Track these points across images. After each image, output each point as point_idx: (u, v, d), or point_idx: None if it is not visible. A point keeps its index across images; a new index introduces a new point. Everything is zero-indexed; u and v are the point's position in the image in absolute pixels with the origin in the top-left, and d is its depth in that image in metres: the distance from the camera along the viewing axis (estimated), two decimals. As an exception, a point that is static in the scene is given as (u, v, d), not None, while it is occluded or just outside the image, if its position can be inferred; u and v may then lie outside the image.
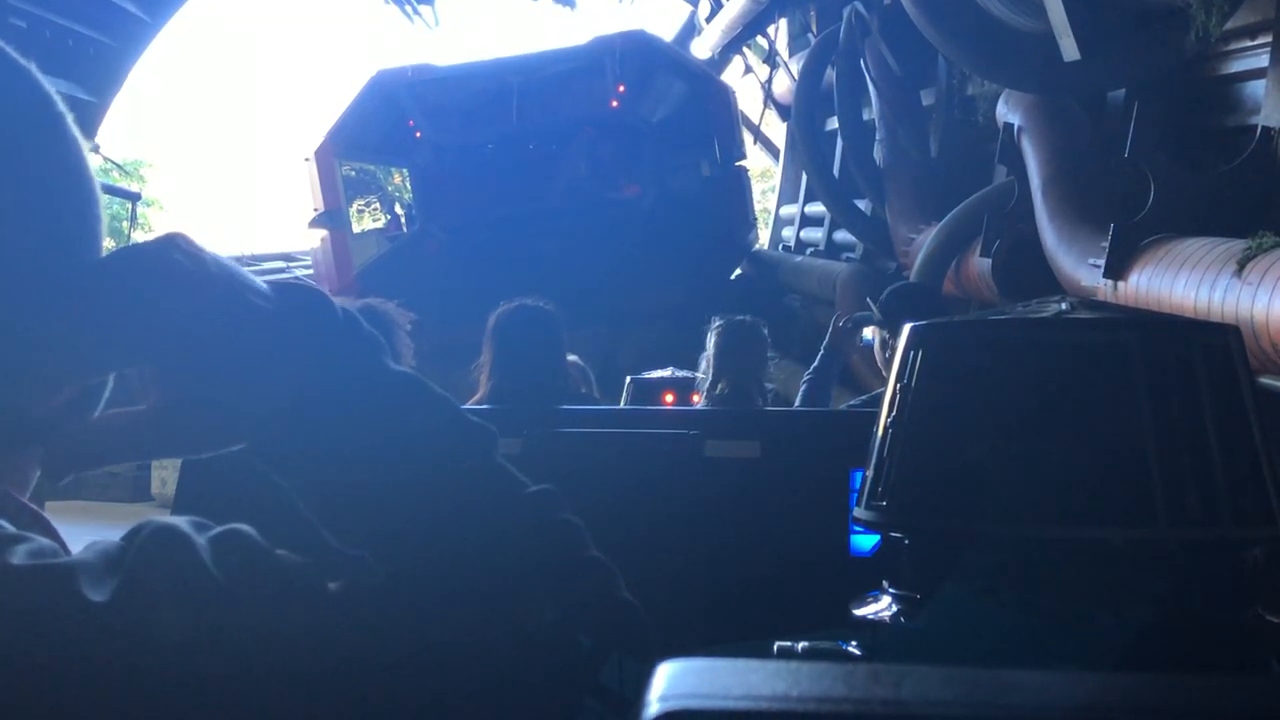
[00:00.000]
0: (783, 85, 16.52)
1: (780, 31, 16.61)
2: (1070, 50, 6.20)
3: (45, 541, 0.85)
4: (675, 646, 0.81)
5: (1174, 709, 0.59)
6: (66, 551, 0.86)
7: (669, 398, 6.47)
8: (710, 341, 4.84)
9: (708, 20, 17.29)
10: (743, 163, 16.08)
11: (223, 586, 0.80)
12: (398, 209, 17.77)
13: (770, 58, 16.82)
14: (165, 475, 14.96)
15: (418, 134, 15.49)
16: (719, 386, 4.73)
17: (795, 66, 15.35)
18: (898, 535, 2.06)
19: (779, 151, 18.84)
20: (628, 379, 7.13)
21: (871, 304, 4.82)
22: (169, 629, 0.76)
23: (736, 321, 4.87)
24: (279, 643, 0.79)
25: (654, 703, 0.54)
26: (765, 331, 4.93)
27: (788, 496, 3.74)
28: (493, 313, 4.41)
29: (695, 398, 6.10)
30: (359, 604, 0.86)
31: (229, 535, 0.85)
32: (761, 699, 0.55)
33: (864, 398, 5.16)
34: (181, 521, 0.85)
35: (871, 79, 11.54)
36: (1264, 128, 5.88)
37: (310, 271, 16.06)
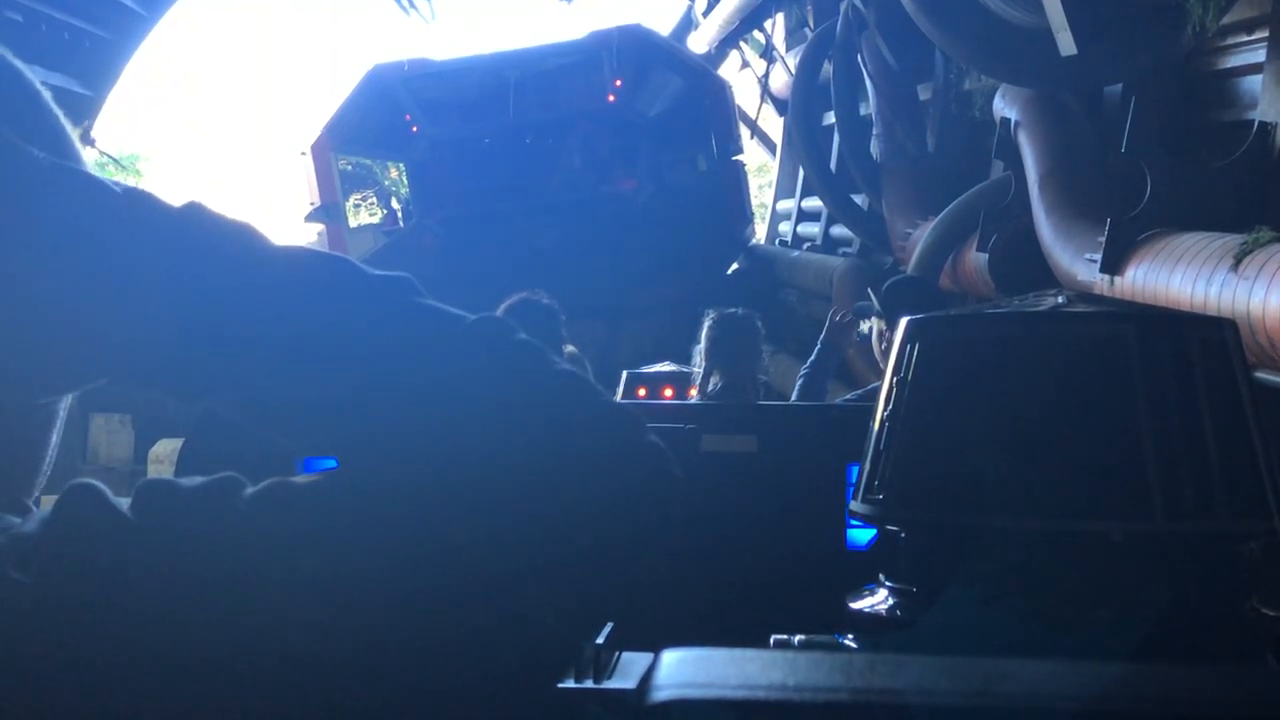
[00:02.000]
0: (780, 80, 16.50)
1: (777, 26, 16.58)
2: (1067, 45, 6.19)
3: (8, 518, 0.86)
4: (672, 640, 0.81)
5: (1167, 699, 0.60)
6: None
7: (641, 392, 6.45)
8: (703, 334, 4.83)
9: (704, 15, 17.27)
10: (739, 157, 16.06)
11: (138, 528, 0.82)
12: (394, 203, 17.74)
13: (767, 52, 16.80)
14: (161, 470, 14.94)
15: (414, 128, 15.46)
16: (712, 379, 4.71)
17: (792, 61, 15.33)
18: (894, 528, 2.06)
19: (776, 146, 18.83)
20: (623, 373, 7.13)
21: (872, 295, 4.82)
22: (89, 605, 0.78)
23: (729, 314, 4.86)
24: (196, 564, 0.80)
25: (652, 692, 0.54)
26: (759, 323, 4.92)
27: (784, 490, 3.75)
28: (496, 306, 4.42)
29: (667, 391, 6.08)
30: (272, 504, 0.84)
31: (148, 484, 0.86)
32: (758, 688, 0.55)
33: (859, 392, 5.16)
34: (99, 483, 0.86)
35: (868, 74, 11.52)
36: (1261, 122, 5.88)
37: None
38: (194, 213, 0.90)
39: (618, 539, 0.87)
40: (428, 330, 0.89)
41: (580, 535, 0.85)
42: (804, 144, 13.59)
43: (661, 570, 3.63)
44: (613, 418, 0.92)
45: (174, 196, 0.91)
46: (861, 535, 3.57)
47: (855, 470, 3.59)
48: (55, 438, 1.04)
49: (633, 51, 15.20)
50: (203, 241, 0.88)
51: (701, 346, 4.84)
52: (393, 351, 0.87)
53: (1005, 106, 8.27)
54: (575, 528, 0.85)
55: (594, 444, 0.89)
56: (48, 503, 0.91)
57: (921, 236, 9.37)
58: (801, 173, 15.46)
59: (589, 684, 1.92)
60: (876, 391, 2.23)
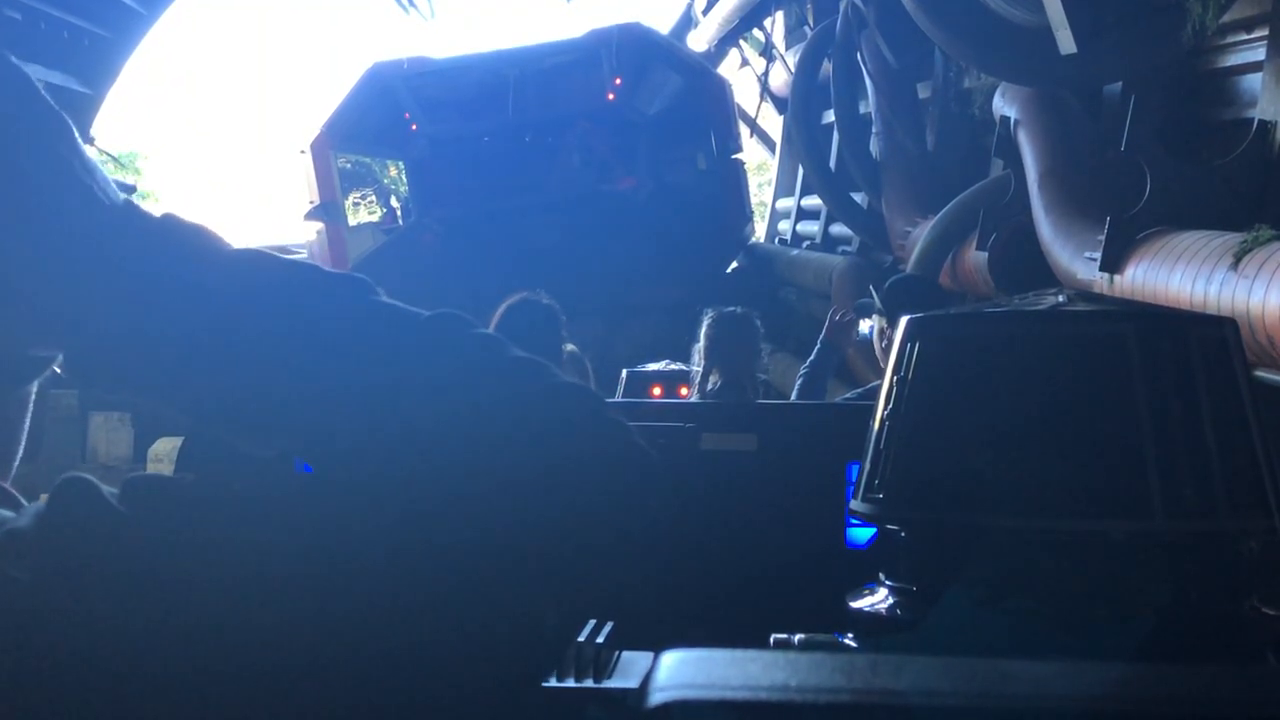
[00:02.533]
0: (779, 78, 16.51)
1: (777, 24, 16.59)
2: (1067, 43, 6.20)
3: (3, 512, 0.87)
4: (671, 638, 0.80)
5: (1169, 699, 0.60)
6: None
7: (656, 390, 6.48)
8: (702, 333, 4.84)
9: (704, 13, 17.27)
10: (739, 156, 16.06)
11: (127, 517, 0.82)
12: (394, 202, 17.74)
13: (767, 51, 16.80)
14: (160, 468, 14.97)
15: (413, 126, 15.45)
16: (711, 378, 4.72)
17: (792, 59, 15.33)
18: (894, 527, 2.06)
19: (775, 145, 18.83)
20: (623, 371, 7.14)
21: (874, 292, 4.82)
22: (86, 601, 0.78)
23: (728, 313, 4.87)
24: (187, 557, 0.81)
25: (654, 693, 0.53)
26: (758, 322, 4.93)
27: (784, 489, 3.75)
28: (496, 304, 4.44)
29: (683, 390, 6.10)
30: (261, 502, 0.84)
31: (137, 479, 0.87)
32: (760, 689, 0.55)
33: (859, 391, 5.16)
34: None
35: (868, 72, 11.52)
36: (1260, 121, 5.88)
37: (306, 264, 16.01)
38: (164, 221, 0.91)
39: (583, 504, 0.87)
40: (385, 326, 0.90)
41: (547, 505, 0.85)
42: (803, 142, 13.59)
43: (661, 568, 3.63)
44: (571, 397, 0.92)
45: (165, 200, 0.93)
46: (861, 534, 3.57)
47: (855, 469, 3.60)
48: (29, 420, 1.05)
49: (632, 50, 15.18)
50: (163, 244, 0.89)
51: (701, 345, 4.85)
52: (351, 348, 0.87)
53: (1005, 105, 8.27)
54: (542, 499, 0.85)
55: (552, 421, 0.89)
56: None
57: (921, 235, 9.37)
58: (801, 171, 15.47)
59: (589, 683, 1.92)
60: (876, 390, 2.23)
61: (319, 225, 14.87)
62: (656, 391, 6.38)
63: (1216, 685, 0.65)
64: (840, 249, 13.90)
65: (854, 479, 3.67)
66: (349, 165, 16.50)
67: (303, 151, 15.04)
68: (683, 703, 0.57)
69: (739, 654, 0.61)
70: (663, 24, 18.13)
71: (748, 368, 4.80)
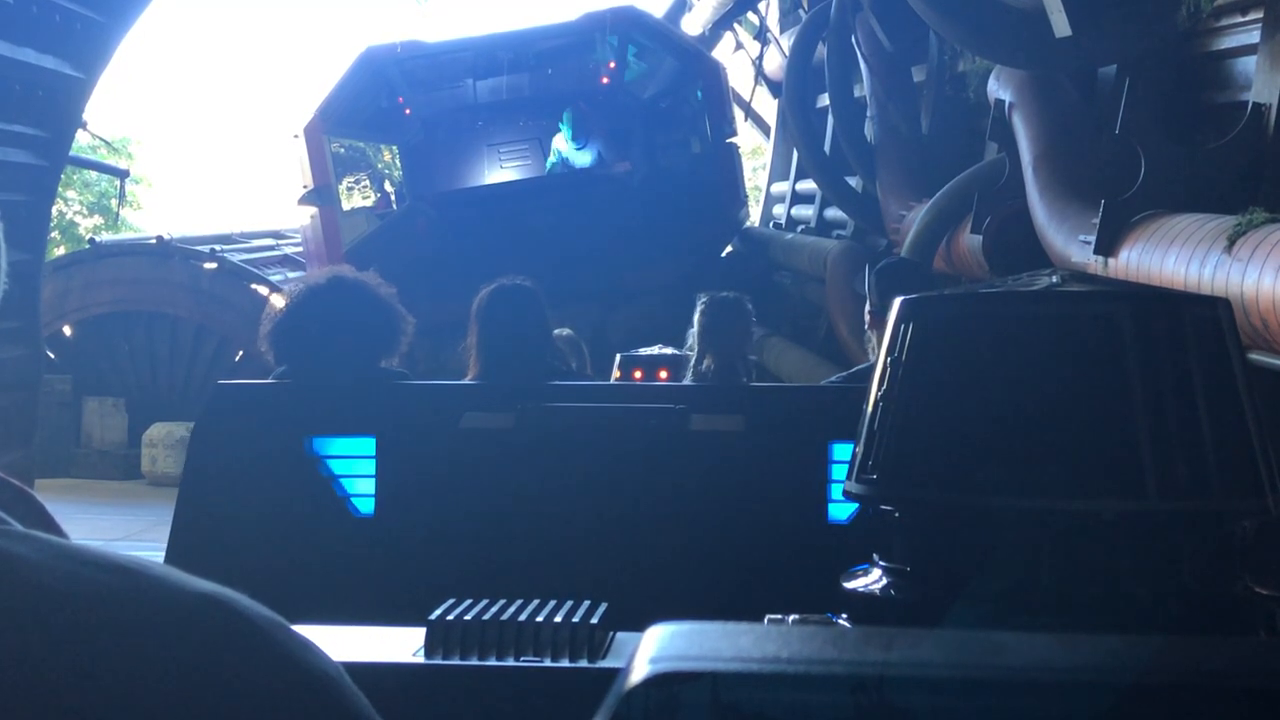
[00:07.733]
0: (774, 62, 16.48)
1: (771, 7, 16.56)
2: (1061, 26, 6.19)
3: None
4: (661, 615, 0.80)
5: (1161, 669, 0.59)
6: (55, 528, 0.83)
7: (637, 374, 6.53)
8: (696, 318, 4.98)
9: (698, -4, 17.24)
10: (733, 140, 16.02)
11: None
12: (388, 186, 17.72)
13: (761, 34, 16.76)
14: (155, 454, 14.95)
15: (407, 110, 15.43)
16: (705, 362, 4.85)
17: (786, 43, 15.31)
18: (887, 508, 2.06)
19: (770, 128, 18.80)
20: (618, 355, 7.15)
21: (865, 275, 4.90)
22: None
23: (721, 298, 5.02)
24: None
25: (645, 665, 0.53)
26: (749, 306, 5.06)
27: (769, 467, 3.85)
28: (476, 296, 4.45)
29: (661, 374, 6.19)
30: None
31: None
32: (752, 660, 0.54)
33: (845, 373, 5.21)
34: None
35: (863, 55, 11.51)
36: (1255, 104, 5.88)
37: (300, 249, 16.02)
38: None
39: None
40: None
41: None
42: (798, 126, 13.58)
43: (650, 546, 3.68)
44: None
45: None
46: (842, 511, 3.67)
47: (836, 447, 3.67)
48: None
49: (626, 33, 15.16)
50: None
51: (695, 330, 4.99)
52: None
53: (999, 88, 8.26)
54: None
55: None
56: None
57: (915, 218, 9.37)
58: (796, 155, 15.45)
59: (583, 663, 1.92)
60: (863, 373, 2.23)
61: (313, 210, 14.83)
62: (637, 375, 6.44)
63: (1210, 656, 0.65)
64: (835, 233, 13.90)
65: (835, 458, 3.74)
66: (343, 149, 16.47)
67: (296, 136, 14.99)
68: (672, 674, 0.57)
69: (729, 627, 0.61)
70: (657, 7, 18.07)
71: (740, 351, 4.95)
